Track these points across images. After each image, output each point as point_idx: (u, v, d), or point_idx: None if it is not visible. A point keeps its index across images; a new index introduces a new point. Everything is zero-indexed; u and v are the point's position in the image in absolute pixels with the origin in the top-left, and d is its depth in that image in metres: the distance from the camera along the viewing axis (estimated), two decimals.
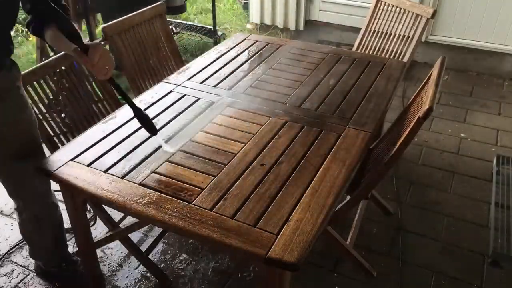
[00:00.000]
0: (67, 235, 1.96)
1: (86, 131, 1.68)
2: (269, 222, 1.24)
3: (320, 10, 4.14)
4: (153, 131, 1.52)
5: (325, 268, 1.98)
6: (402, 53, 2.50)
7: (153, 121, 1.71)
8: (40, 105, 1.76)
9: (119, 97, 1.61)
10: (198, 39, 4.22)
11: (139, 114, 1.49)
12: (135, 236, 2.09)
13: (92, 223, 2.17)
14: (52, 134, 1.79)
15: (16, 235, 2.13)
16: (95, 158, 1.51)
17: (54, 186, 1.73)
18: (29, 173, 1.56)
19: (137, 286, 1.92)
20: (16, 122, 1.51)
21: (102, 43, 1.37)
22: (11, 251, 2.08)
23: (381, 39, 2.59)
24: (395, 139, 1.66)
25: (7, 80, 1.46)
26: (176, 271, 1.97)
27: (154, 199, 1.33)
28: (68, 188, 1.48)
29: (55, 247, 1.88)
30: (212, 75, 2.11)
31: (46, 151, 1.70)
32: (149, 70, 2.35)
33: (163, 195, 1.34)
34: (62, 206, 1.75)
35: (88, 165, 1.47)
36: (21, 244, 2.11)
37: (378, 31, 2.62)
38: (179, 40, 4.10)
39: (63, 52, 1.87)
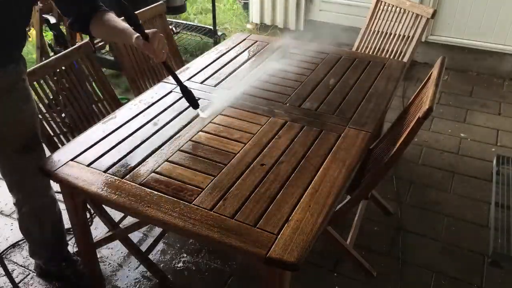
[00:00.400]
0: (67, 235, 1.96)
1: (86, 131, 1.68)
2: (269, 222, 1.24)
3: (320, 10, 4.14)
4: (195, 105, 1.69)
5: (325, 268, 1.98)
6: (402, 53, 2.50)
7: (153, 121, 1.73)
8: (40, 105, 1.76)
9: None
10: (198, 39, 4.22)
11: (185, 89, 1.66)
12: (135, 236, 2.09)
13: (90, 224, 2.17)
14: (52, 134, 1.79)
15: (16, 236, 2.13)
16: (95, 158, 1.51)
17: (54, 186, 1.73)
18: (30, 166, 1.58)
19: (137, 286, 1.92)
20: (21, 113, 1.54)
21: (157, 30, 1.50)
22: (9, 250, 2.08)
23: (381, 39, 2.59)
24: (395, 139, 1.66)
25: (16, 73, 1.50)
26: (176, 271, 1.97)
27: (154, 199, 1.33)
28: (68, 188, 1.48)
29: (54, 243, 1.88)
30: (212, 75, 2.11)
31: (46, 151, 1.70)
32: (149, 70, 2.35)
33: (163, 195, 1.34)
34: (62, 206, 1.75)
35: (88, 165, 1.47)
36: (21, 244, 2.11)
37: (378, 31, 2.62)
38: (179, 40, 4.10)
39: (63, 52, 1.88)
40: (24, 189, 1.67)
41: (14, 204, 1.73)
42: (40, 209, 1.75)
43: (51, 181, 1.68)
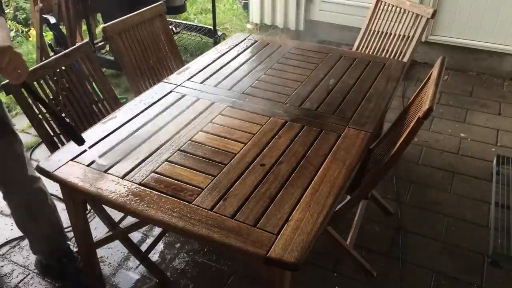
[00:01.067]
0: (67, 233, 1.96)
1: (86, 131, 1.68)
2: (269, 222, 1.24)
3: (320, 10, 4.14)
4: (79, 141, 1.46)
5: (325, 268, 1.98)
6: (402, 53, 2.50)
7: (153, 121, 1.72)
8: (40, 105, 1.76)
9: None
10: (198, 39, 4.22)
11: (64, 123, 1.46)
12: (135, 236, 2.09)
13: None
14: (52, 134, 1.79)
15: (16, 236, 2.13)
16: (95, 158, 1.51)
17: (54, 186, 1.73)
18: (2, 153, 1.55)
19: (137, 286, 1.92)
20: None
21: (10, 45, 1.23)
22: (9, 249, 2.08)
23: (381, 39, 2.59)
24: (395, 139, 1.66)
25: None
26: (176, 271, 1.97)
27: (154, 199, 1.33)
28: (68, 188, 1.48)
29: (53, 237, 1.88)
30: (212, 75, 2.11)
31: (46, 151, 1.70)
32: (149, 70, 2.35)
33: (163, 195, 1.34)
34: (62, 206, 1.75)
35: (88, 165, 1.47)
36: (21, 245, 2.11)
37: (378, 31, 2.62)
38: (179, 40, 4.10)
39: (63, 52, 1.88)
40: (3, 179, 1.65)
41: (4, 199, 1.72)
42: (30, 201, 1.74)
43: (50, 180, 1.68)
